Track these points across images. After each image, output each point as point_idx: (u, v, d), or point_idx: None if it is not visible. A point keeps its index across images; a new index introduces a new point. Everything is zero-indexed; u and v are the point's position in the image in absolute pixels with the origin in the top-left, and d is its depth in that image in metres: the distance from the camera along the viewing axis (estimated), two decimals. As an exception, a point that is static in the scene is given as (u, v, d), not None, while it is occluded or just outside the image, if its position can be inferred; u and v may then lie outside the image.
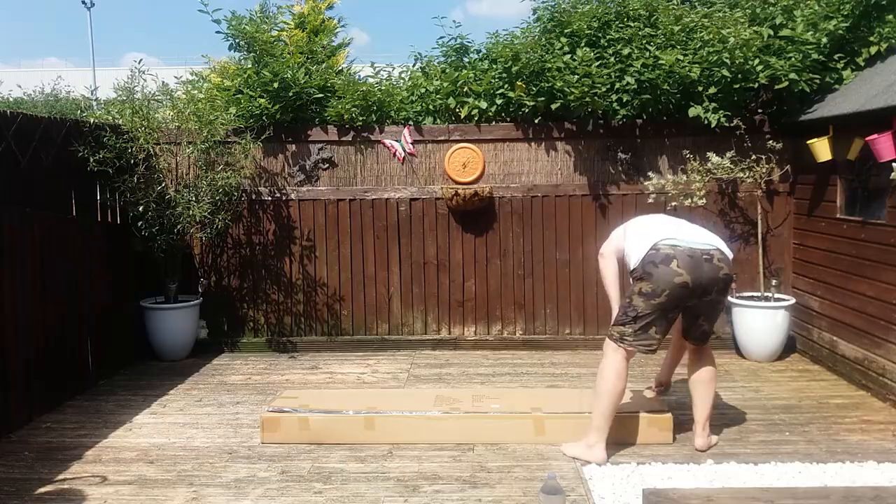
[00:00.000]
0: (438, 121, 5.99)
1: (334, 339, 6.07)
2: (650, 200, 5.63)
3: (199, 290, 5.97)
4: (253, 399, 4.83)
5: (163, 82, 5.89)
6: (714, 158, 5.43)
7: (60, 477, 3.68)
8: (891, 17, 5.35)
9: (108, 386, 5.22)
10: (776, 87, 5.46)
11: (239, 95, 5.92)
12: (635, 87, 5.52)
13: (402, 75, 6.30)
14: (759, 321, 5.53)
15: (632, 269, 3.79)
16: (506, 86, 5.80)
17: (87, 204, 5.41)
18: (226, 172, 5.60)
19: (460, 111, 5.89)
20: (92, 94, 6.24)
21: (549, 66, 5.57)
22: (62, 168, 4.98)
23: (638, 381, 5.03)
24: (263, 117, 5.85)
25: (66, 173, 5.04)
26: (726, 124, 5.50)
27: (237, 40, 6.03)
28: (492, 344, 5.99)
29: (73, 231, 5.04)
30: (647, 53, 5.53)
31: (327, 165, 6.01)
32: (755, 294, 5.63)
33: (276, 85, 5.74)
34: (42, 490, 3.54)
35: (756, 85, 5.47)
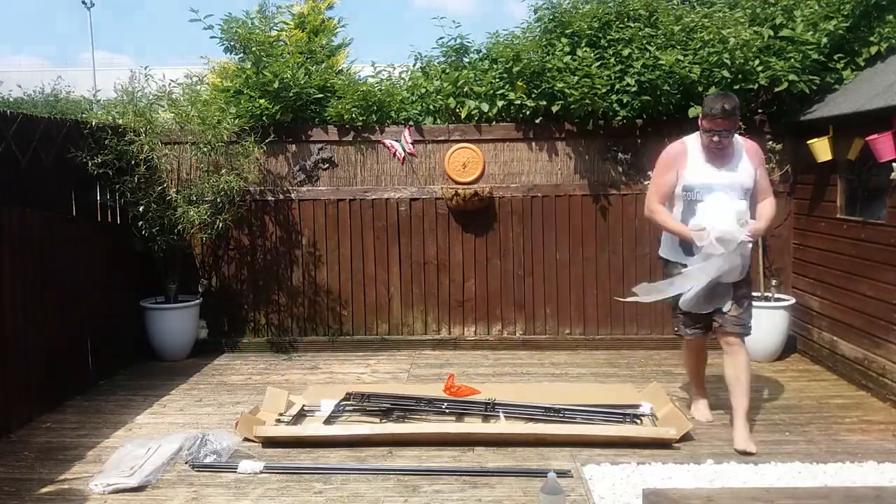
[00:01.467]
0: (439, 121, 5.99)
1: (334, 338, 6.07)
2: (650, 200, 5.62)
3: (199, 290, 5.97)
4: (253, 399, 4.82)
5: (168, 82, 5.88)
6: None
7: (60, 477, 3.68)
8: (891, 17, 5.35)
9: (108, 386, 5.22)
10: (776, 88, 5.46)
11: (239, 96, 5.92)
12: (635, 87, 5.52)
13: (402, 75, 6.30)
14: (759, 321, 5.49)
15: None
16: (506, 86, 5.80)
17: (88, 204, 5.40)
18: (228, 175, 5.59)
19: (460, 111, 5.89)
20: (93, 94, 6.24)
21: (550, 66, 5.57)
22: (62, 168, 4.97)
23: (637, 381, 5.04)
24: (264, 118, 5.85)
25: (67, 173, 5.04)
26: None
27: (232, 43, 6.03)
28: (492, 344, 5.99)
29: (73, 231, 5.04)
30: (648, 54, 5.53)
31: (327, 165, 6.01)
32: (755, 294, 5.62)
33: (275, 85, 5.74)
34: (42, 490, 3.54)
35: (756, 85, 5.46)
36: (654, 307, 5.97)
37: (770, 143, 5.57)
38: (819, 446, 3.94)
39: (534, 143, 5.91)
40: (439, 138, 5.93)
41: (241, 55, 6.14)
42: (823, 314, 5.38)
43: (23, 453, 3.98)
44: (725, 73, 5.36)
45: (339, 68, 6.90)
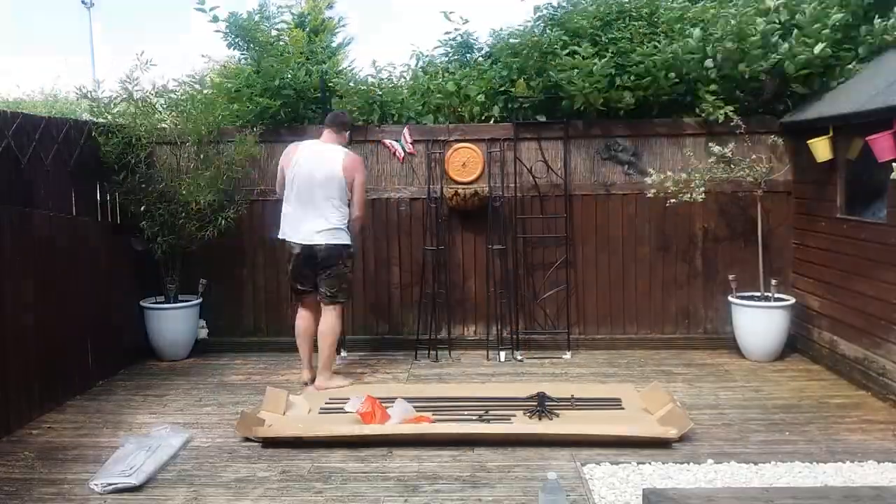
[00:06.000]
0: (439, 120, 5.99)
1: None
2: (649, 195, 5.63)
3: (199, 289, 5.97)
4: (253, 399, 4.83)
5: (167, 81, 5.89)
6: (715, 148, 5.43)
7: (60, 477, 3.68)
8: (893, 16, 5.33)
9: (108, 386, 5.22)
10: (779, 79, 5.44)
11: (239, 94, 5.91)
12: (636, 83, 5.51)
13: (403, 74, 6.30)
14: (759, 321, 5.53)
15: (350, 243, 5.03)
16: (506, 84, 5.79)
17: (87, 203, 5.41)
18: (227, 172, 5.58)
19: (461, 110, 5.88)
20: (93, 92, 6.24)
21: (551, 64, 5.56)
22: (62, 167, 4.98)
23: (637, 381, 5.04)
24: (264, 116, 5.85)
25: (66, 173, 5.05)
26: (728, 121, 5.48)
27: (236, 39, 6.03)
28: (492, 344, 5.98)
29: (73, 230, 5.04)
30: (649, 50, 5.52)
31: (327, 165, 6.00)
32: (755, 294, 5.62)
33: (276, 84, 5.74)
34: (42, 490, 3.54)
35: (758, 82, 5.45)
36: (655, 307, 5.99)
37: (770, 142, 5.57)
38: (819, 446, 3.93)
39: (534, 142, 5.90)
40: (439, 138, 5.92)
41: (244, 52, 6.14)
42: (823, 314, 5.37)
43: (23, 453, 3.98)
44: (727, 70, 5.35)
45: (340, 68, 6.90)
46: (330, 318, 5.03)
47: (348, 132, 5.14)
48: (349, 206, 4.98)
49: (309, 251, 4.90)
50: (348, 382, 5.13)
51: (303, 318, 5.16)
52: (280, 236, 5.05)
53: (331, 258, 4.90)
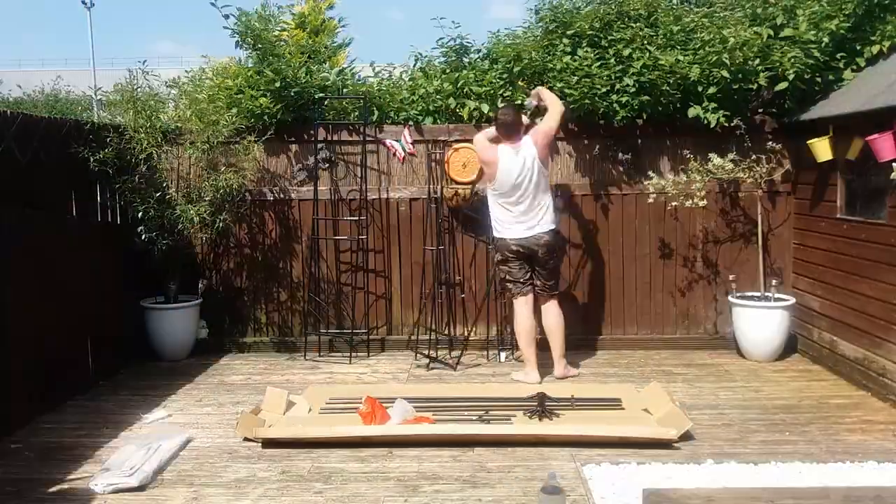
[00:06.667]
0: (439, 121, 5.99)
1: (335, 338, 6.07)
2: (650, 200, 5.63)
3: (199, 289, 5.97)
4: (253, 399, 4.82)
5: (164, 82, 5.89)
6: (716, 160, 5.42)
7: (60, 477, 3.68)
8: (892, 16, 5.34)
9: (109, 386, 5.22)
10: (776, 87, 5.45)
11: (240, 95, 5.92)
12: (635, 87, 5.51)
13: (403, 75, 6.29)
14: (760, 321, 5.53)
15: None
16: (506, 86, 5.79)
17: (88, 204, 5.41)
18: (227, 173, 5.59)
19: (460, 112, 5.88)
20: (94, 94, 6.25)
21: (550, 66, 5.57)
22: (62, 168, 4.98)
23: (637, 381, 5.04)
24: (265, 117, 5.85)
25: (67, 173, 5.04)
26: (726, 124, 5.48)
27: (244, 38, 6.02)
28: (492, 344, 5.98)
29: (73, 231, 5.05)
30: (648, 54, 5.52)
31: (328, 165, 6.01)
32: (755, 294, 5.62)
33: (277, 84, 5.74)
34: (42, 490, 3.54)
35: (756, 85, 5.46)
36: (655, 307, 5.99)
37: (770, 142, 5.57)
38: (819, 446, 3.94)
39: (534, 143, 5.89)
40: (439, 138, 5.93)
41: (250, 51, 6.13)
42: (823, 314, 5.37)
43: (23, 453, 3.98)
44: (725, 73, 5.35)
45: (341, 68, 6.89)
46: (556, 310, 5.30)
47: (519, 124, 5.13)
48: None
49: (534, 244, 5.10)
50: (577, 371, 5.35)
51: (530, 316, 5.28)
52: (499, 236, 5.19)
53: (552, 249, 5.15)
